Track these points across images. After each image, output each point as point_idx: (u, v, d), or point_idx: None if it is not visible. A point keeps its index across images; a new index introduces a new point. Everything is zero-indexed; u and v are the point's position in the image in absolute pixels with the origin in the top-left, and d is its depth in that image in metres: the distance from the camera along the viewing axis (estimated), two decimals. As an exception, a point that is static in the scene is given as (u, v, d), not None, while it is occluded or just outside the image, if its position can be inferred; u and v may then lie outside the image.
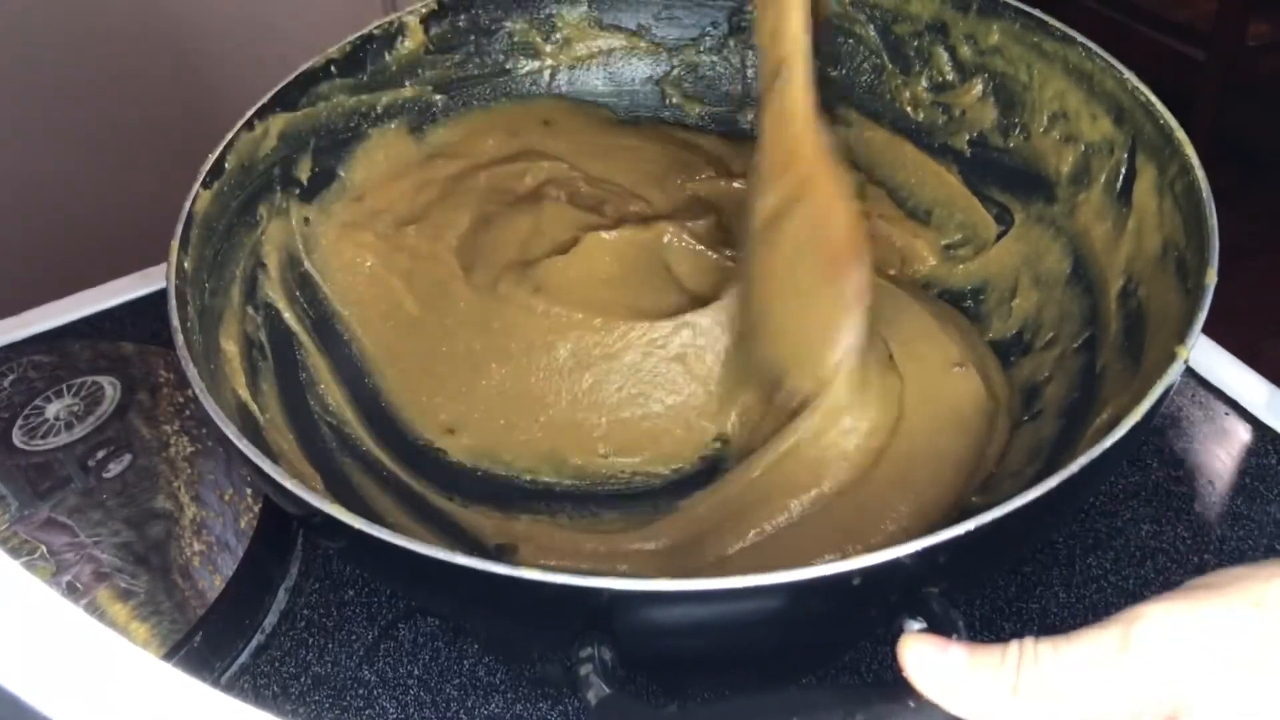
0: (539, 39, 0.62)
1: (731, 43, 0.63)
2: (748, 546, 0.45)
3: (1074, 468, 0.34)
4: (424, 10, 0.58)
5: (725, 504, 0.47)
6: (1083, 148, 0.51)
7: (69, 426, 0.54)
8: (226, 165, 0.49)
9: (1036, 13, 0.52)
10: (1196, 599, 0.28)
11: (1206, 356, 0.58)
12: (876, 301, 0.51)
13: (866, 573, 0.31)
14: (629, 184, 0.60)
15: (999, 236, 0.56)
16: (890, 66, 0.59)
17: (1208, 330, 0.40)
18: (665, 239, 0.56)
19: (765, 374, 0.49)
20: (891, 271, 0.58)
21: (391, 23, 0.57)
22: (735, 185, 0.60)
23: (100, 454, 0.53)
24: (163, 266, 0.44)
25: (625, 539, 0.48)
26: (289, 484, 0.36)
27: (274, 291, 0.52)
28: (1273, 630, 0.27)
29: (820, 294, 0.47)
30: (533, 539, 0.48)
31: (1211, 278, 0.40)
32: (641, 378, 0.53)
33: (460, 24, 0.60)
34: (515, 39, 0.62)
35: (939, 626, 0.32)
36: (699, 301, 0.54)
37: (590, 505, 0.51)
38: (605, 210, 0.58)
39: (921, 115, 0.59)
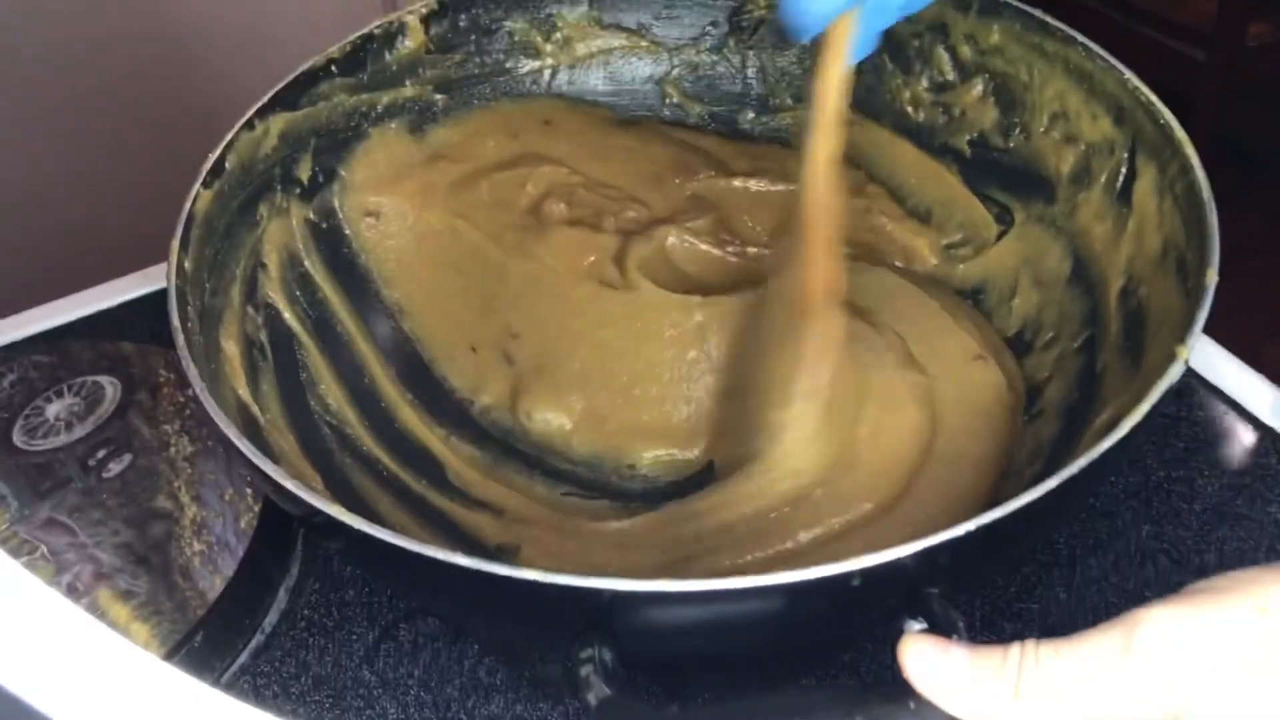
0: (539, 38, 0.62)
1: (732, 42, 0.63)
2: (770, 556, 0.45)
3: (1074, 468, 0.34)
4: (424, 10, 0.58)
5: (756, 516, 0.47)
6: (1083, 148, 0.51)
7: (69, 426, 0.54)
8: (227, 165, 0.49)
9: (1037, 13, 0.52)
10: (1198, 603, 0.28)
11: (1207, 357, 0.58)
12: (885, 289, 0.51)
13: (866, 573, 0.31)
14: (628, 186, 0.60)
15: (999, 236, 0.56)
16: (890, 66, 0.59)
17: (1208, 330, 0.40)
18: (669, 242, 0.57)
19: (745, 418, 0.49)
20: (899, 263, 0.57)
21: (392, 22, 0.57)
22: (735, 184, 0.61)
23: (100, 454, 0.53)
24: (163, 266, 0.44)
25: (627, 540, 0.48)
26: (289, 484, 0.35)
27: (274, 291, 0.52)
28: (1276, 634, 0.27)
29: (784, 343, 0.47)
30: (534, 540, 0.48)
31: (1212, 278, 0.40)
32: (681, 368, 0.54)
33: (461, 23, 0.60)
34: (516, 38, 0.62)
35: (939, 627, 0.32)
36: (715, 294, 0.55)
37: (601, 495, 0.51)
38: (605, 224, 0.58)
39: (922, 115, 0.59)
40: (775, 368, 0.47)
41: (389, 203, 0.58)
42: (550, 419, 0.53)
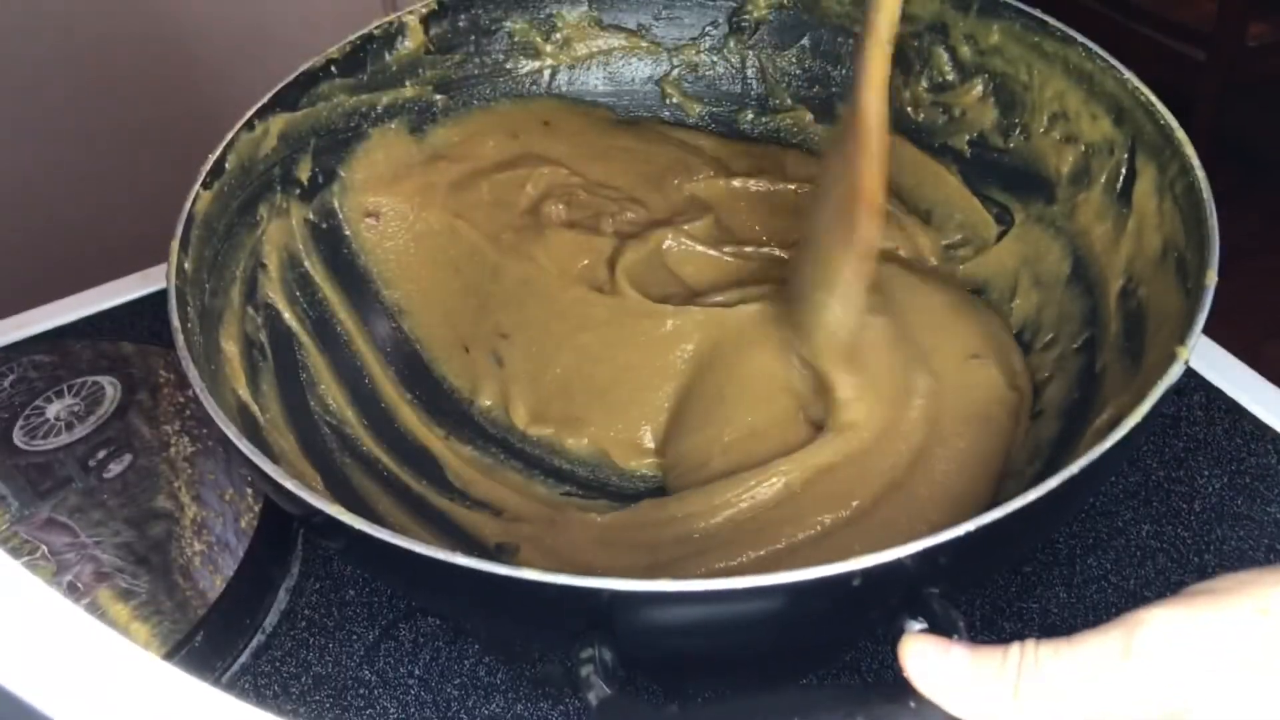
0: (539, 39, 0.62)
1: (731, 42, 0.63)
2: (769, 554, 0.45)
3: (1074, 468, 0.34)
4: (424, 10, 0.58)
5: (753, 518, 0.47)
6: (1083, 148, 0.51)
7: (69, 427, 0.54)
8: (226, 165, 0.49)
9: (1037, 13, 0.52)
10: (1198, 604, 0.28)
11: (1207, 357, 0.58)
12: (888, 284, 0.51)
13: (867, 573, 0.31)
14: (626, 187, 0.60)
15: (999, 236, 0.56)
16: (890, 66, 0.59)
17: (1208, 330, 0.40)
18: (665, 245, 0.57)
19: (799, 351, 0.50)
20: (903, 253, 0.57)
21: (392, 22, 0.57)
22: (734, 184, 0.61)
23: (101, 454, 0.53)
24: (163, 266, 0.44)
25: (616, 539, 0.48)
26: (289, 484, 0.36)
27: (274, 291, 0.52)
28: (1277, 636, 0.27)
29: (832, 240, 0.47)
30: (534, 538, 0.48)
31: (1212, 278, 0.40)
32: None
33: (460, 24, 0.60)
34: (515, 39, 0.62)
35: (939, 627, 0.32)
36: (704, 298, 0.55)
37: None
38: (603, 225, 0.58)
39: (922, 115, 0.59)
40: (824, 260, 0.48)
41: (389, 203, 0.58)
42: (536, 423, 0.54)
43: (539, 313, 0.56)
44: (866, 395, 0.48)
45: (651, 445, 0.53)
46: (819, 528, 0.45)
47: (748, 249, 0.58)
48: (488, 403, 0.55)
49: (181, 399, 0.55)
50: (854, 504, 0.46)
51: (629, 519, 0.48)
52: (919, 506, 0.45)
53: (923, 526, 0.44)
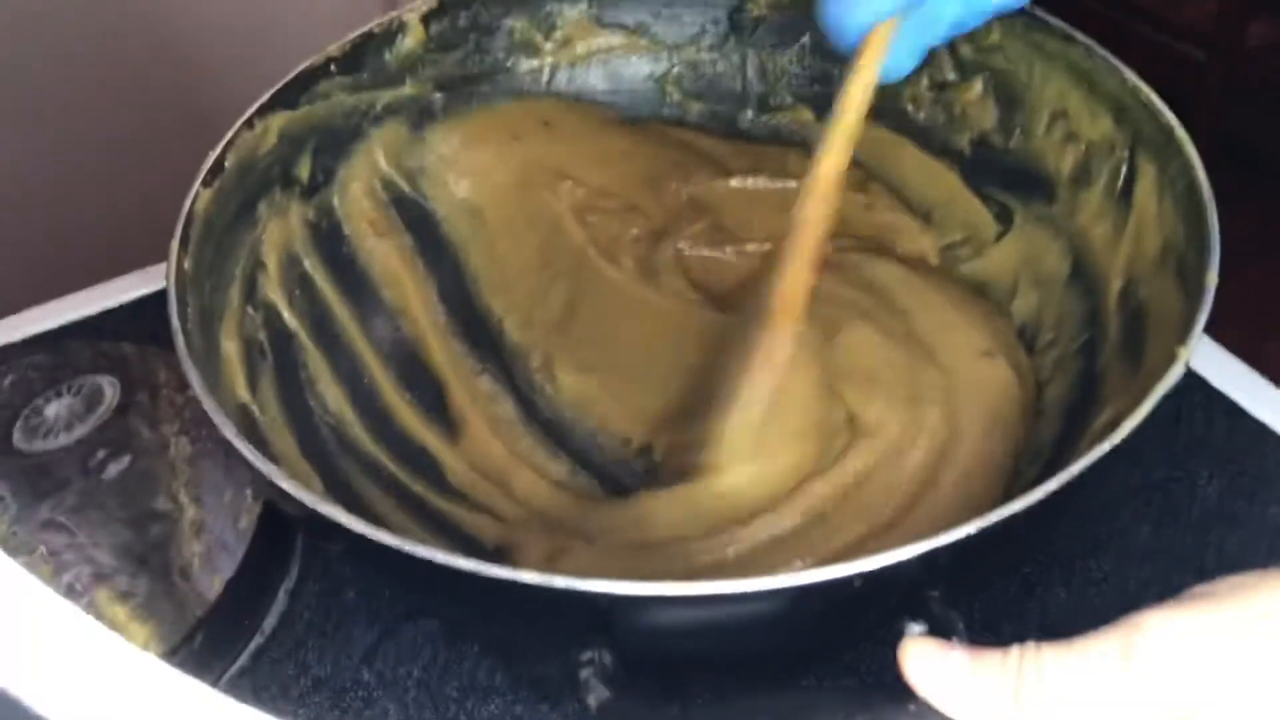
0: (539, 37, 0.62)
1: (732, 41, 0.63)
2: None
3: (1074, 470, 0.34)
4: (424, 8, 0.58)
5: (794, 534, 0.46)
6: (1083, 147, 0.51)
7: (68, 427, 0.54)
8: (226, 165, 0.49)
9: (1038, 12, 0.52)
10: (1199, 608, 0.27)
11: (1207, 357, 0.58)
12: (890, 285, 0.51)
13: (867, 576, 0.31)
14: (626, 193, 0.61)
15: (999, 236, 0.56)
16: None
17: (1208, 331, 0.39)
18: (670, 253, 0.57)
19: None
20: (905, 253, 0.57)
21: (391, 21, 0.57)
22: (733, 184, 0.61)
23: (100, 455, 0.53)
24: (163, 266, 0.44)
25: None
26: (289, 485, 0.35)
27: (274, 291, 0.52)
28: None
29: (740, 348, 0.46)
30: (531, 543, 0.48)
31: (1212, 278, 0.40)
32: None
33: (461, 22, 0.60)
34: (515, 37, 0.62)
35: (939, 629, 0.32)
36: (719, 298, 0.55)
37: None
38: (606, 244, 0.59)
39: (922, 115, 0.59)
40: (727, 374, 0.47)
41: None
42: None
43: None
44: (876, 401, 0.47)
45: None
46: (857, 536, 0.45)
47: (749, 247, 0.58)
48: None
49: (181, 400, 0.55)
50: (890, 508, 0.45)
51: (647, 534, 0.47)
52: (946, 507, 0.45)
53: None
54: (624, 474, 0.52)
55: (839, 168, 0.45)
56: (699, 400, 0.52)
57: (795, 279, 0.45)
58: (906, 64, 0.44)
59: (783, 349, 0.45)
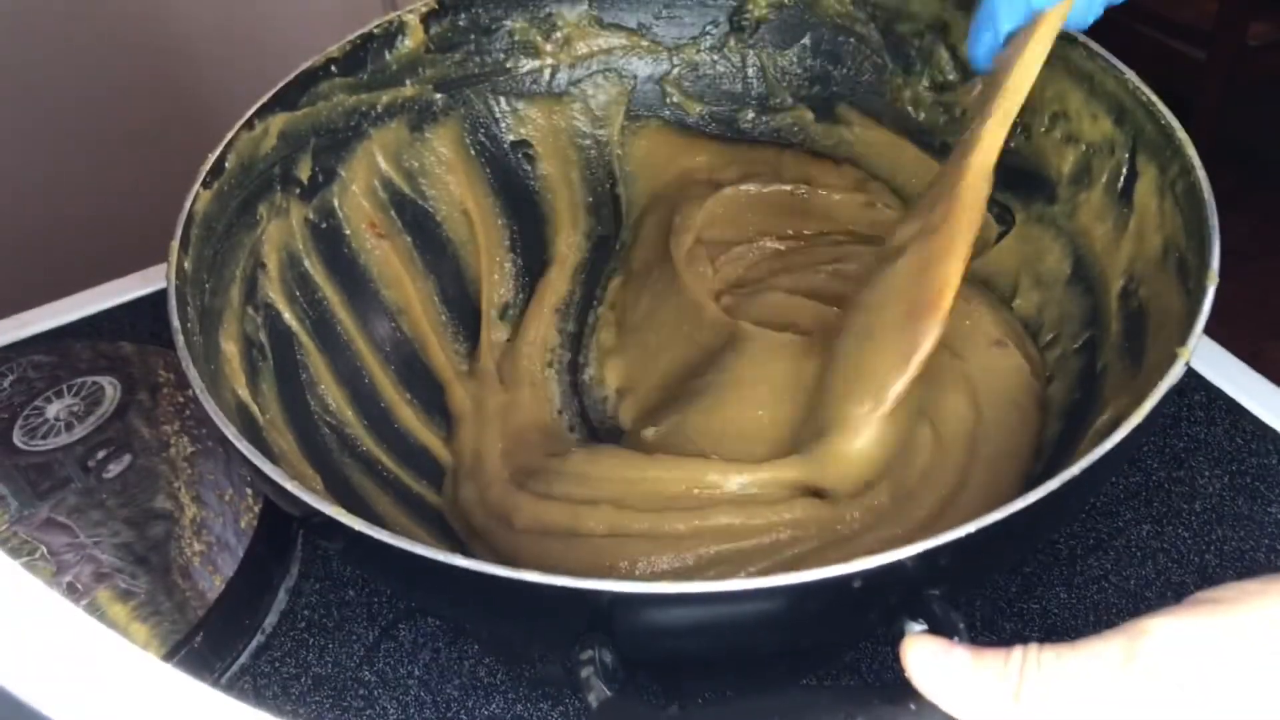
0: (539, 38, 0.62)
1: (732, 41, 0.63)
2: None
3: (1075, 469, 0.34)
4: (424, 9, 0.58)
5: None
6: (1084, 148, 0.51)
7: (69, 427, 0.54)
8: (226, 165, 0.49)
9: (1038, 12, 0.52)
10: (1204, 614, 0.27)
11: (1207, 357, 0.58)
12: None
13: (868, 575, 0.31)
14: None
15: (999, 237, 0.56)
16: (891, 66, 0.59)
17: (1208, 331, 0.39)
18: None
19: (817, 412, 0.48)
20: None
21: (392, 21, 0.57)
22: (725, 191, 0.61)
23: (100, 454, 0.53)
24: (163, 266, 0.44)
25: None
26: (289, 484, 0.35)
27: (274, 291, 0.52)
28: None
29: (885, 341, 0.45)
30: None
31: (1212, 278, 0.40)
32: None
33: (460, 23, 0.60)
34: (515, 38, 0.62)
35: (940, 628, 0.32)
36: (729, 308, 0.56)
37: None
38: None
39: (922, 115, 0.59)
40: (870, 362, 0.45)
41: None
42: None
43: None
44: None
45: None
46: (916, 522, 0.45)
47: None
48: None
49: (181, 399, 0.55)
50: (940, 495, 0.45)
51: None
52: (979, 494, 0.45)
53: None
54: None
55: (1000, 145, 0.45)
56: (685, 388, 0.52)
57: (948, 274, 0.44)
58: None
59: (930, 342, 0.44)
